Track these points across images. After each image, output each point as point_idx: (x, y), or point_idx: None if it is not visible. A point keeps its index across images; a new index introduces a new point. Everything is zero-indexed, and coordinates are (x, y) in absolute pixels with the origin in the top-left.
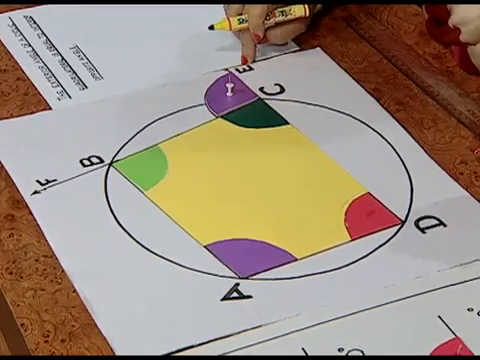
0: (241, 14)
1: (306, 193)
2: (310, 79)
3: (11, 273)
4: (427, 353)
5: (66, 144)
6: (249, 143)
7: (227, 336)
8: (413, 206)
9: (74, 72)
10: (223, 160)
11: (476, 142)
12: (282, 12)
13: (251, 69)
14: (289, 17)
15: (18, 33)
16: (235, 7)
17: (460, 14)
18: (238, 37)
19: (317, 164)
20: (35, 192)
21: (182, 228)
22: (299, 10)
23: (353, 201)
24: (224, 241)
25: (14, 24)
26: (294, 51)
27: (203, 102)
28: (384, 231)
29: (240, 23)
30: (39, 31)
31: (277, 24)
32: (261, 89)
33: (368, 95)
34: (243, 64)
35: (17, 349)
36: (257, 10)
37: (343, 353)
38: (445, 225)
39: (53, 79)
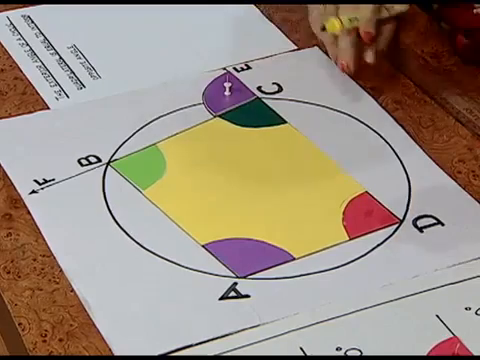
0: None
1: (304, 192)
2: (308, 78)
3: (9, 272)
4: (425, 352)
5: (64, 143)
6: (247, 142)
7: (225, 335)
8: (411, 205)
9: (72, 71)
10: (221, 159)
11: (474, 141)
12: (388, 11)
13: (249, 68)
14: (392, 13)
15: (16, 32)
16: (330, 8)
17: None
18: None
19: (315, 163)
20: (33, 191)
21: (180, 227)
22: (403, 6)
23: (351, 200)
24: (222, 240)
25: (12, 23)
26: (292, 50)
27: (201, 101)
28: (382, 230)
29: (351, 22)
30: (37, 30)
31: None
32: (259, 88)
33: (366, 94)
34: (343, 71)
35: (15, 348)
36: (369, 6)
37: (341, 352)
38: (443, 224)
39: (51, 78)
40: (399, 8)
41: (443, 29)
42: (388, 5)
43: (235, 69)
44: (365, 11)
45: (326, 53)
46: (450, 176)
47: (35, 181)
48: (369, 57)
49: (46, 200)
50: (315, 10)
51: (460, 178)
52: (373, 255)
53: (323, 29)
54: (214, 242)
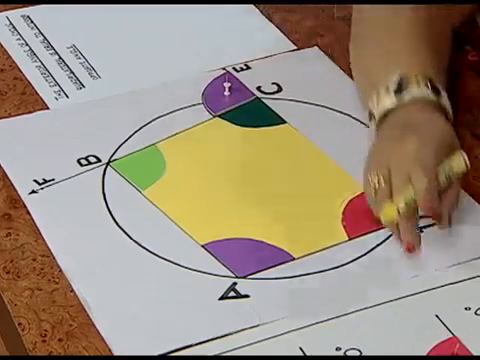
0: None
1: (303, 192)
2: (307, 78)
3: (8, 272)
4: (425, 352)
5: (63, 143)
6: (246, 142)
7: (225, 335)
8: None
9: (71, 71)
10: (220, 159)
11: (473, 141)
12: (446, 177)
13: (248, 68)
14: (453, 179)
15: (15, 32)
16: (385, 191)
17: None
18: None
19: (314, 163)
20: (32, 191)
21: (179, 227)
22: (459, 166)
23: (350, 200)
24: (222, 240)
25: (11, 23)
26: (291, 50)
27: (200, 101)
28: (381, 230)
29: (408, 206)
30: (36, 30)
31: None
32: (258, 88)
33: None
34: (409, 252)
35: (14, 349)
36: (423, 183)
37: (340, 352)
38: None
39: (50, 78)
40: (459, 169)
41: None
42: (445, 167)
43: (235, 69)
44: (420, 189)
45: (326, 53)
46: None
47: (35, 181)
48: (442, 228)
49: (46, 200)
50: (367, 188)
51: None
52: (372, 255)
53: (379, 221)
54: (214, 242)
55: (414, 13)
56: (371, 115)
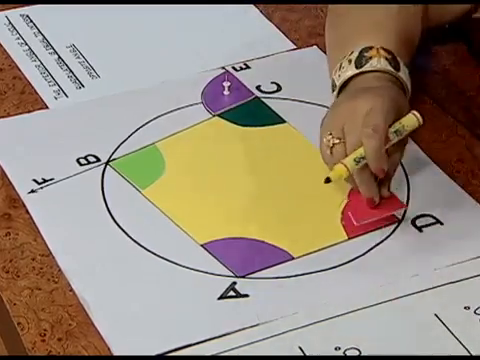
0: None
1: (303, 192)
2: (307, 77)
3: (8, 272)
4: (423, 350)
5: (63, 143)
6: (246, 142)
7: (224, 335)
8: (410, 204)
9: (71, 71)
10: (220, 159)
11: (473, 141)
12: (396, 132)
13: (248, 68)
14: (404, 134)
15: (15, 32)
16: (340, 151)
17: None
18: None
19: (313, 162)
20: (32, 191)
21: (179, 227)
22: (411, 121)
23: (350, 199)
24: (221, 240)
25: (10, 23)
26: (291, 49)
27: (200, 101)
28: (381, 230)
29: (357, 163)
30: (36, 30)
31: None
32: (258, 87)
33: None
34: (370, 205)
35: (14, 348)
36: (374, 143)
37: (340, 352)
38: (442, 223)
39: (50, 78)
40: (412, 124)
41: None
42: (398, 126)
43: (234, 68)
44: (371, 148)
45: (325, 53)
46: (449, 175)
47: (34, 180)
48: (385, 193)
49: (45, 200)
50: (323, 147)
51: (459, 177)
52: (372, 254)
53: (328, 181)
54: (213, 241)
55: (387, 9)
56: (334, 86)
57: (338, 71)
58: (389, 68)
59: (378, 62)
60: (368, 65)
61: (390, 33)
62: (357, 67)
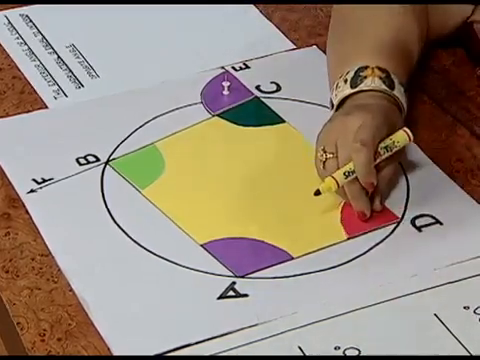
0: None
1: (302, 191)
2: (306, 77)
3: (7, 272)
4: (421, 347)
5: (62, 143)
6: (245, 141)
7: (223, 335)
8: (409, 204)
9: (70, 71)
10: (219, 158)
11: (472, 140)
12: (386, 148)
13: (247, 67)
14: (394, 150)
15: (14, 32)
16: (332, 165)
17: None
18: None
19: (313, 163)
20: (31, 191)
21: (178, 227)
22: (402, 139)
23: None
24: (220, 240)
25: (10, 23)
26: (290, 49)
27: (199, 100)
28: (380, 229)
29: (347, 177)
30: (35, 30)
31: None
32: (257, 87)
33: None
34: (363, 221)
35: (13, 348)
36: (362, 157)
37: (339, 351)
38: (441, 223)
39: (49, 78)
40: (403, 140)
41: None
42: (389, 142)
43: (233, 68)
44: (360, 163)
45: (325, 53)
46: (448, 175)
47: (33, 180)
48: (376, 206)
49: (44, 199)
50: (317, 163)
51: (458, 177)
52: (371, 254)
53: (317, 193)
54: (212, 241)
55: (388, 18)
56: (332, 104)
57: (335, 90)
58: (383, 87)
59: (372, 81)
60: (362, 85)
61: (388, 52)
62: (352, 87)
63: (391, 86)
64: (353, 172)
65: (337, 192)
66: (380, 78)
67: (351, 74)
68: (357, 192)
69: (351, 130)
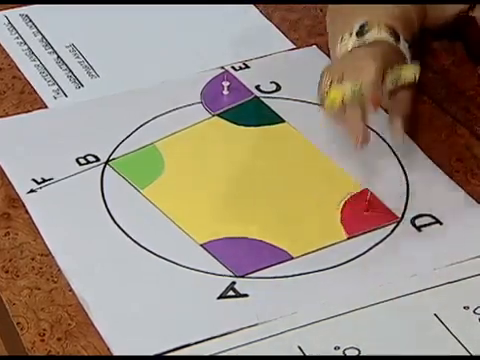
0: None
1: (302, 191)
2: (306, 77)
3: (7, 272)
4: (421, 347)
5: (62, 143)
6: (245, 141)
7: (223, 335)
8: (409, 204)
9: (70, 70)
10: (219, 158)
11: (472, 140)
12: (393, 74)
13: (247, 67)
14: (401, 79)
15: (14, 31)
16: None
17: None
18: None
19: (313, 162)
20: (31, 191)
21: (178, 226)
22: (410, 74)
23: (349, 199)
24: (220, 239)
25: (10, 23)
26: (290, 49)
27: (199, 100)
28: (380, 229)
29: (353, 95)
30: (35, 29)
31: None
32: (257, 87)
33: None
34: (361, 146)
35: (13, 348)
36: (371, 73)
37: (339, 351)
38: (441, 223)
39: (49, 77)
40: (407, 78)
41: None
42: (395, 74)
43: (233, 68)
44: (367, 77)
45: (325, 52)
46: (448, 175)
47: (33, 180)
48: (397, 130)
49: (44, 199)
50: (321, 89)
51: (458, 177)
52: (371, 254)
53: (321, 104)
54: (212, 241)
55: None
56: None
57: (339, 43)
58: (390, 40)
59: (379, 33)
60: (368, 35)
61: (391, 13)
62: (358, 37)
63: (396, 40)
64: (360, 90)
65: (339, 106)
66: (386, 31)
67: (356, 27)
68: (357, 117)
69: (358, 58)
